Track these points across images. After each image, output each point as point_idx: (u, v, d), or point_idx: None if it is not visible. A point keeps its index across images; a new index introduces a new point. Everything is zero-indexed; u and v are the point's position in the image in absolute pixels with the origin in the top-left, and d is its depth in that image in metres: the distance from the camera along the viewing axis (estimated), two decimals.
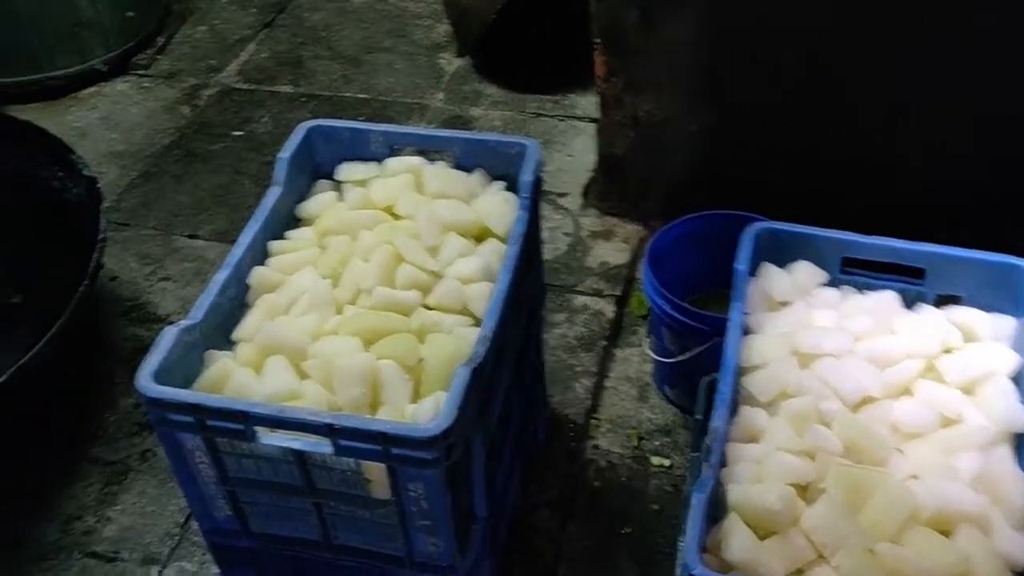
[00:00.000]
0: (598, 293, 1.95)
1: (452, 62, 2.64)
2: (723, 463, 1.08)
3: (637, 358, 1.83)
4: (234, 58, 2.70)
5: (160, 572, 1.54)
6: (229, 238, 2.12)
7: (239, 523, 1.21)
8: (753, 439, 1.09)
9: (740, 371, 1.16)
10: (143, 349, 1.87)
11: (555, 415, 1.73)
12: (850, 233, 1.29)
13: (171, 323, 1.89)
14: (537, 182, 1.34)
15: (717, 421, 1.06)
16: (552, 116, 2.42)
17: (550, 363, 1.76)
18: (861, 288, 1.29)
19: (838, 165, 1.81)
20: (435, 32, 2.74)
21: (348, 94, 2.54)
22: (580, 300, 1.94)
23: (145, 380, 1.09)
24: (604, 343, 1.85)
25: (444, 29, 2.71)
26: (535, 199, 1.34)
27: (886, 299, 1.25)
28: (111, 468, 1.69)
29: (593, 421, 1.73)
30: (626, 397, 1.76)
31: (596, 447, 1.69)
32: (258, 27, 2.81)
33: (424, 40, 2.73)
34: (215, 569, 1.51)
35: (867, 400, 1.14)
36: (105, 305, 1.99)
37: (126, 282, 2.05)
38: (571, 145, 2.32)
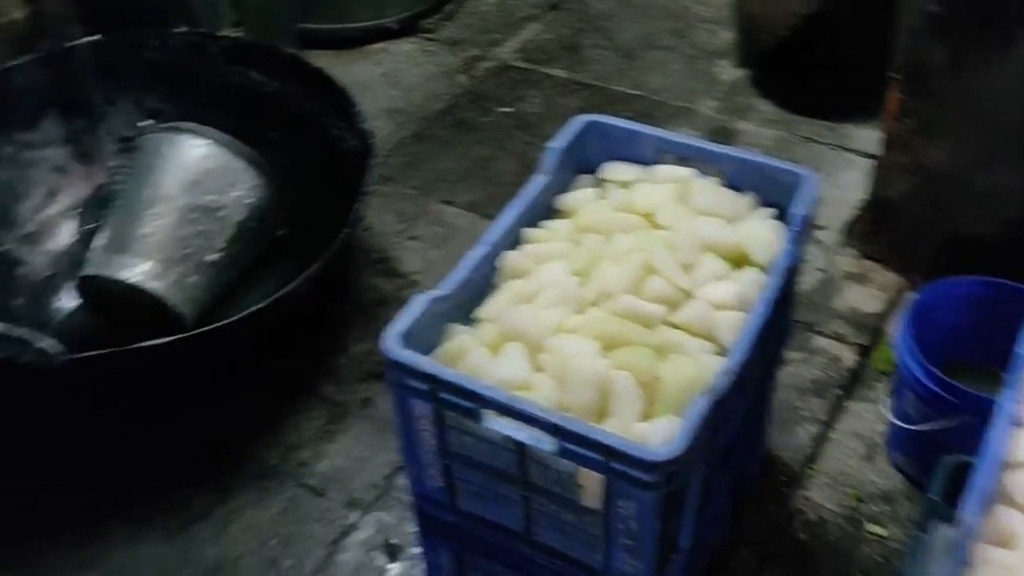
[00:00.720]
0: (840, 338, 1.85)
1: (729, 71, 2.57)
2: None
3: (870, 415, 1.71)
4: (515, 35, 2.75)
5: (360, 517, 1.60)
6: (481, 211, 2.18)
7: (448, 496, 1.23)
8: (1005, 544, 0.99)
9: (1001, 465, 1.05)
10: (382, 301, 2.00)
11: (770, 455, 1.65)
12: None
13: (413, 281, 2.02)
14: (810, 217, 1.27)
15: (969, 515, 0.97)
16: (824, 143, 2.31)
17: (776, 400, 1.68)
18: None
19: None
20: (717, 38, 2.68)
21: (619, 88, 2.53)
22: (820, 342, 1.84)
23: (391, 342, 1.12)
24: (838, 392, 1.75)
25: (727, 37, 2.64)
26: (805, 234, 1.28)
27: None
28: (335, 409, 1.77)
29: (809, 471, 1.64)
30: (850, 453, 1.66)
31: (808, 498, 1.60)
32: (544, 8, 2.85)
33: (705, 44, 2.68)
34: (411, 527, 1.56)
35: None
36: (355, 253, 2.08)
37: (378, 234, 2.14)
38: (839, 177, 2.20)
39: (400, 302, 1.95)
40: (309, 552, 1.56)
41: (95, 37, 2.00)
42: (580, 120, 1.43)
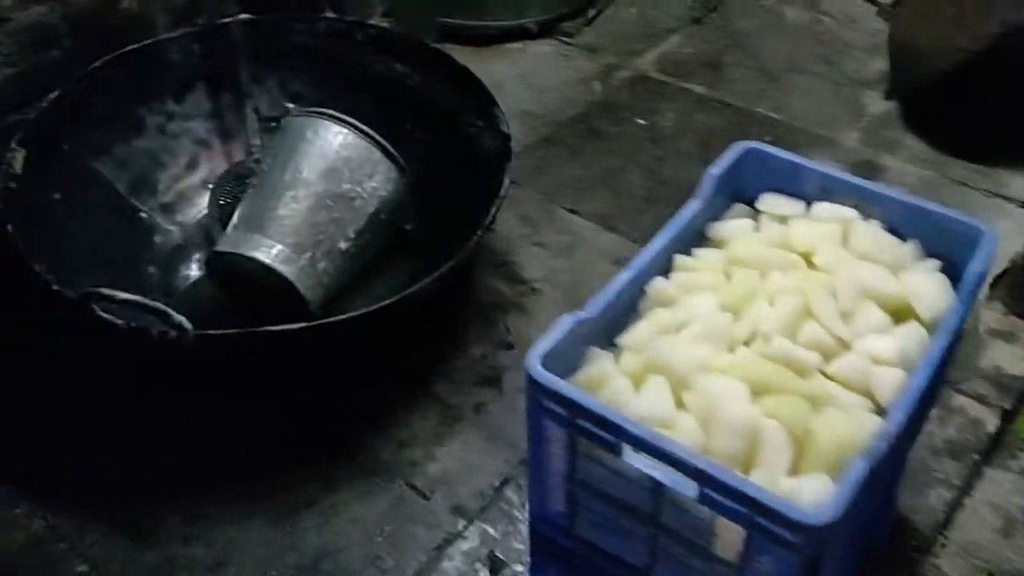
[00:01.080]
0: (982, 399, 1.75)
1: (877, 103, 2.46)
2: None
3: (1010, 485, 1.61)
4: (656, 46, 2.69)
5: (465, 527, 1.58)
6: (606, 223, 2.13)
7: (568, 521, 1.20)
8: None
9: None
10: (501, 305, 1.97)
11: (901, 516, 1.57)
12: None
13: (533, 289, 1.98)
14: (986, 275, 1.19)
15: None
16: (976, 189, 2.19)
17: (908, 459, 1.60)
18: None
19: None
20: (867, 67, 2.57)
21: (759, 109, 2.45)
22: (959, 400, 1.74)
23: (534, 362, 1.09)
24: (975, 457, 1.65)
25: (878, 67, 2.54)
26: (976, 294, 1.20)
27: None
28: (448, 411, 1.75)
29: (940, 538, 1.55)
30: (985, 525, 1.56)
31: (937, 567, 1.51)
32: (687, 21, 2.78)
33: (853, 72, 2.57)
34: (516, 543, 1.53)
35: None
36: (478, 255, 2.06)
37: (502, 237, 2.11)
38: (989, 226, 2.08)
39: (519, 308, 1.96)
40: (412, 554, 1.54)
41: (246, 16, 2.02)
42: (740, 147, 1.37)
